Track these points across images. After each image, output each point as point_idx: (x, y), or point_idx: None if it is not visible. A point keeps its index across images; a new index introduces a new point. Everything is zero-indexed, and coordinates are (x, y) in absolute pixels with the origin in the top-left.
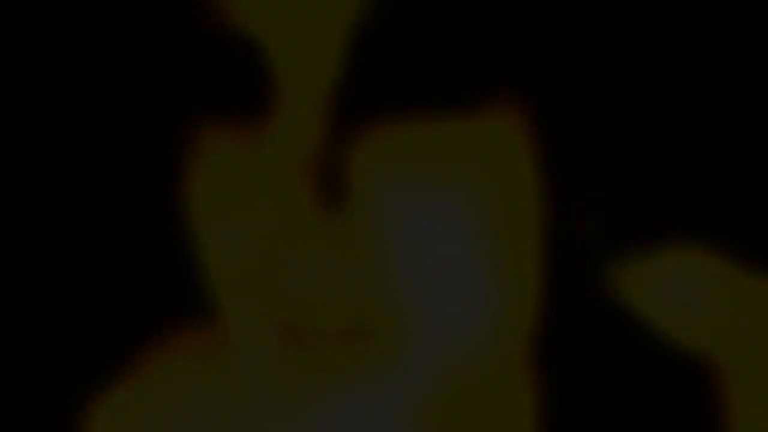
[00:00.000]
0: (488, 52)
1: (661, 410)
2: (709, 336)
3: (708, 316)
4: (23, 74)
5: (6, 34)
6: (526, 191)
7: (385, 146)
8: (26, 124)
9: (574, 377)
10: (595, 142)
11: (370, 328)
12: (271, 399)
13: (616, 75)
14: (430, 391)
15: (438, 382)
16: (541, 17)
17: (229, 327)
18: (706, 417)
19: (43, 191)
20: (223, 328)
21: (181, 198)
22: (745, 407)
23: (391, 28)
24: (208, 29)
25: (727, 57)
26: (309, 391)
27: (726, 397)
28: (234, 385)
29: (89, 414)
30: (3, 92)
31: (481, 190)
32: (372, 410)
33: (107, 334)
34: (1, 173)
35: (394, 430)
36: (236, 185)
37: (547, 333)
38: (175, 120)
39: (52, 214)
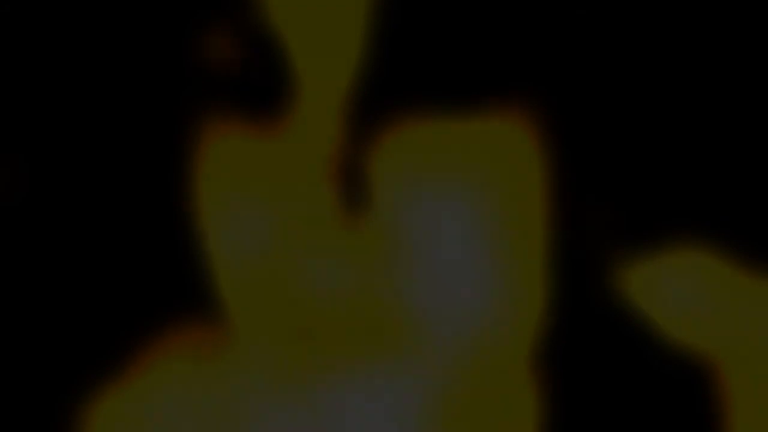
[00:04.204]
0: (501, 55)
1: (662, 410)
2: (709, 336)
3: (708, 316)
4: (31, 69)
5: (15, 29)
6: (535, 193)
7: (402, 146)
8: (34, 118)
9: (578, 376)
10: (601, 146)
11: (382, 326)
12: (276, 398)
13: (623, 81)
14: (438, 389)
15: (446, 380)
16: (552, 23)
17: (234, 326)
18: (707, 417)
19: (50, 188)
20: (228, 327)
21: (190, 195)
22: (745, 407)
23: (409, 30)
24: (230, 26)
25: (728, 62)
26: (314, 390)
27: (726, 397)
28: (237, 384)
29: (89, 414)
30: (13, 88)
31: (493, 191)
32: (378, 408)
33: (109, 333)
34: (9, 169)
35: (399, 427)
36: (248, 183)
37: (552, 332)
38: (187, 115)
39: (57, 211)
